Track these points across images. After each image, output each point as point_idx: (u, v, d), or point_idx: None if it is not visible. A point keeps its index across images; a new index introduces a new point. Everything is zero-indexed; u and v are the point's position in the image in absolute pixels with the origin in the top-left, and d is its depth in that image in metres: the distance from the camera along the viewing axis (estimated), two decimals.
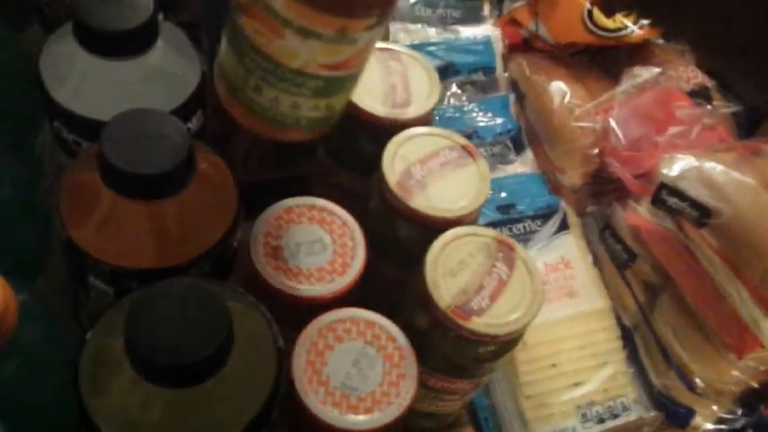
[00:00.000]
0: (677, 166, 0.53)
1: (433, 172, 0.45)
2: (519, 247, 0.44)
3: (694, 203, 0.52)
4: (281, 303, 0.42)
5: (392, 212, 0.45)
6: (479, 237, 0.43)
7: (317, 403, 0.38)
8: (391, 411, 0.39)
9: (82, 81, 0.41)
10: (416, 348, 0.41)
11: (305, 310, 0.42)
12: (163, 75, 0.42)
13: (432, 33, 0.65)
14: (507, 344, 0.42)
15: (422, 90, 0.49)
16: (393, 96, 0.48)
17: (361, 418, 0.38)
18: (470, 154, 0.47)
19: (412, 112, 0.47)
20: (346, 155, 0.50)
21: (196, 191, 0.37)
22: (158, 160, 0.35)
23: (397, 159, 0.45)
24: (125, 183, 0.34)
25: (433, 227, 0.44)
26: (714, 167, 0.53)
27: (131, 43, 0.39)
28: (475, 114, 0.64)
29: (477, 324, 0.40)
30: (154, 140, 0.35)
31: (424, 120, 0.48)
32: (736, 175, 0.52)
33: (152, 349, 0.30)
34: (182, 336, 0.30)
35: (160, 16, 0.48)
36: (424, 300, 0.41)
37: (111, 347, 0.33)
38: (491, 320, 0.40)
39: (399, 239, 0.46)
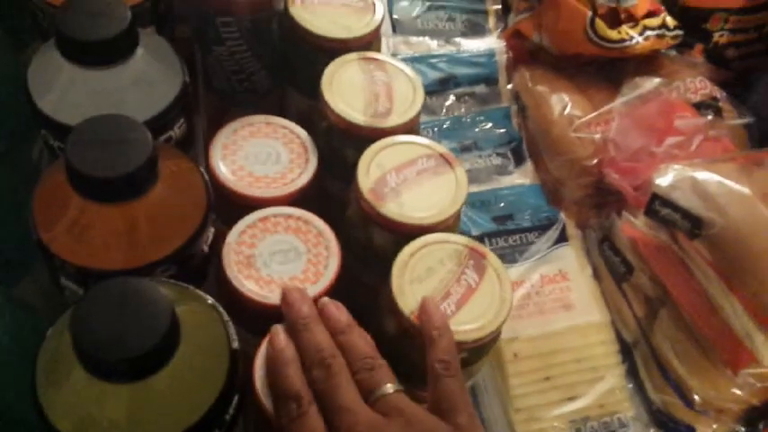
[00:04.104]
0: (670, 176, 0.52)
1: (409, 180, 0.45)
2: (491, 255, 0.43)
3: (687, 214, 0.51)
4: (251, 311, 0.42)
5: (366, 219, 0.45)
6: (450, 244, 0.43)
7: None
8: None
9: (65, 90, 0.42)
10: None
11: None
12: (143, 83, 0.43)
13: (434, 46, 0.66)
14: (475, 351, 0.42)
15: (405, 99, 0.49)
16: (375, 105, 0.48)
17: None
18: (448, 162, 0.47)
19: (392, 120, 0.48)
20: (332, 162, 0.50)
21: (161, 194, 0.38)
22: (120, 163, 0.36)
23: (373, 167, 0.46)
24: (88, 185, 0.36)
25: (404, 234, 0.44)
26: (709, 177, 0.51)
27: (109, 52, 0.41)
28: (474, 126, 0.64)
29: None
30: (117, 145, 0.36)
31: (406, 129, 0.48)
32: (731, 185, 0.51)
33: (95, 346, 0.31)
34: (124, 332, 0.31)
35: (152, 29, 0.50)
36: (391, 306, 0.41)
37: (68, 345, 0.34)
38: (455, 327, 0.40)
39: (375, 246, 0.46)
